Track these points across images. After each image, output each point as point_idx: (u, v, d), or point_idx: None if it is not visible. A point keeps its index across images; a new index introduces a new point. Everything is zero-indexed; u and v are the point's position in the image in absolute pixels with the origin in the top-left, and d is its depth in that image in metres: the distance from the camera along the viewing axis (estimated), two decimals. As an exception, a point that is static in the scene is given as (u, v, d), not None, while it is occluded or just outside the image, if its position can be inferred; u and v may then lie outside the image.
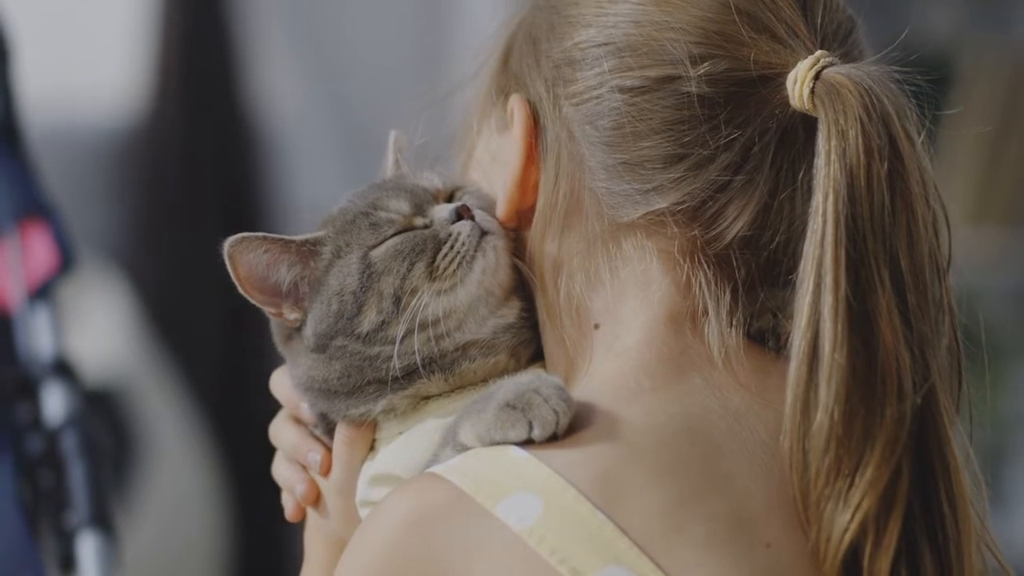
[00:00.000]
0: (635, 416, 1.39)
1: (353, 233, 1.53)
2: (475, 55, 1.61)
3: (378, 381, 1.50)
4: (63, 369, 2.20)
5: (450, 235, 1.50)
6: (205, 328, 4.32)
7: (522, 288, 1.53)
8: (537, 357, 1.53)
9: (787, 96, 1.42)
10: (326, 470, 1.55)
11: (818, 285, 1.37)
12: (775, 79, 1.43)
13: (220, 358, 4.33)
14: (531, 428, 1.38)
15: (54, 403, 2.19)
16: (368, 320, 1.50)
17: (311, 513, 1.57)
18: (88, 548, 2.12)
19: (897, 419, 1.36)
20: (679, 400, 1.41)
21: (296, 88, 4.47)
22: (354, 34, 4.47)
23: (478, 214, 1.51)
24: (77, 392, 2.19)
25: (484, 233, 1.50)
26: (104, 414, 3.48)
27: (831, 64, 1.40)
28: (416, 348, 1.48)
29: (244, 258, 1.53)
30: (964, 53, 3.84)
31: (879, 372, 1.36)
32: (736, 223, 1.44)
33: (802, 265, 1.38)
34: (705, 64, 1.43)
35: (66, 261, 2.26)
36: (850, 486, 1.35)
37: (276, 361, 4.78)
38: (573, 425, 1.39)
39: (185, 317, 4.30)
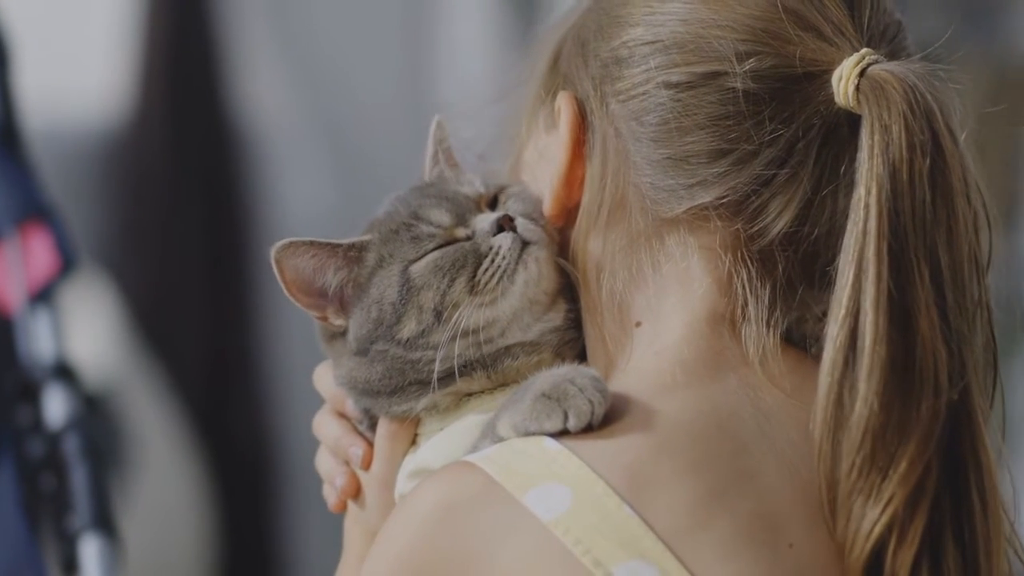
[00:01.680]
0: (667, 411, 1.40)
1: (396, 244, 1.54)
2: (525, 58, 1.62)
3: (420, 382, 1.51)
4: (64, 372, 2.20)
5: (491, 248, 1.50)
6: (190, 332, 4.32)
7: (569, 289, 1.53)
8: (582, 356, 1.53)
9: (832, 93, 1.43)
10: (367, 464, 1.56)
11: (858, 277, 1.38)
12: (820, 76, 1.43)
13: (205, 362, 4.33)
14: (567, 418, 1.39)
15: (55, 406, 2.19)
16: (408, 329, 1.51)
17: (351, 505, 1.58)
18: (91, 551, 2.11)
19: (932, 414, 1.36)
20: (711, 398, 1.41)
21: (281, 92, 4.47)
22: (340, 39, 4.47)
23: (520, 223, 1.51)
24: (78, 395, 2.19)
25: (526, 244, 1.50)
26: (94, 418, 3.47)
27: (876, 61, 1.41)
28: (458, 352, 1.49)
29: (290, 263, 1.54)
30: (945, 59, 3.86)
31: (916, 367, 1.36)
32: (780, 219, 1.44)
33: (842, 258, 1.39)
34: (751, 60, 1.44)
35: (67, 264, 2.25)
36: (883, 479, 1.35)
37: (261, 365, 4.75)
38: (607, 417, 1.39)
39: (170, 320, 4.29)
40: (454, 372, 1.50)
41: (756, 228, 1.45)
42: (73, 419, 2.17)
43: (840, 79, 1.42)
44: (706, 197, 1.45)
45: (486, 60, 4.40)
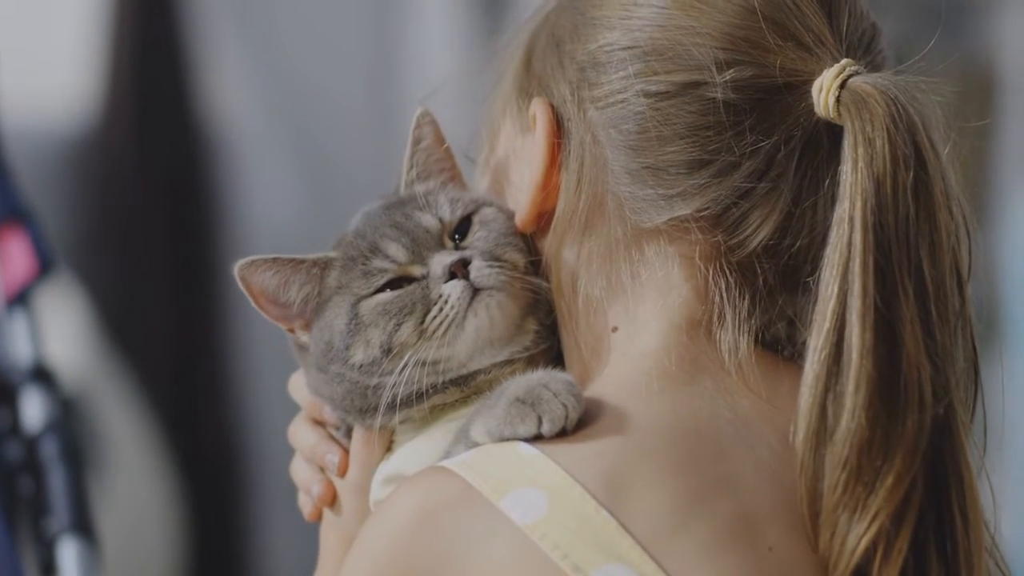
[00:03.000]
0: (644, 415, 1.40)
1: (352, 273, 1.52)
2: (496, 53, 1.59)
3: (384, 405, 1.50)
4: (42, 375, 2.19)
5: (440, 296, 1.48)
6: (157, 333, 4.30)
7: (543, 302, 1.52)
8: (558, 361, 1.52)
9: (812, 104, 1.42)
10: (343, 471, 1.55)
11: (844, 291, 1.37)
12: (800, 87, 1.43)
13: (172, 364, 4.31)
14: (540, 423, 1.38)
15: (33, 409, 2.18)
16: (357, 357, 1.51)
17: (327, 512, 1.57)
18: (69, 554, 2.10)
19: (918, 429, 1.36)
20: (688, 402, 1.41)
21: (248, 93, 4.46)
22: (307, 41, 4.46)
23: (475, 267, 1.49)
24: (56, 398, 2.18)
25: (478, 291, 1.48)
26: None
27: (857, 73, 1.40)
28: (417, 379, 1.48)
29: (255, 279, 1.53)
30: (912, 64, 3.87)
31: (902, 381, 1.36)
32: (760, 231, 1.44)
33: (825, 272, 1.38)
34: (731, 70, 1.43)
35: (44, 267, 2.24)
36: (868, 494, 1.35)
37: (229, 366, 4.71)
38: (583, 422, 1.39)
39: (137, 322, 4.28)
40: (421, 393, 1.49)
41: (736, 240, 1.45)
42: (51, 422, 2.16)
43: (820, 90, 1.41)
44: (685, 209, 1.44)
45: (454, 62, 4.40)
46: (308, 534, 1.64)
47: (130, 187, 4.31)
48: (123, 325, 4.21)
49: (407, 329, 1.48)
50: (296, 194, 4.41)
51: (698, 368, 1.43)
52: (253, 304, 1.54)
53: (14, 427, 2.17)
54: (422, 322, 1.48)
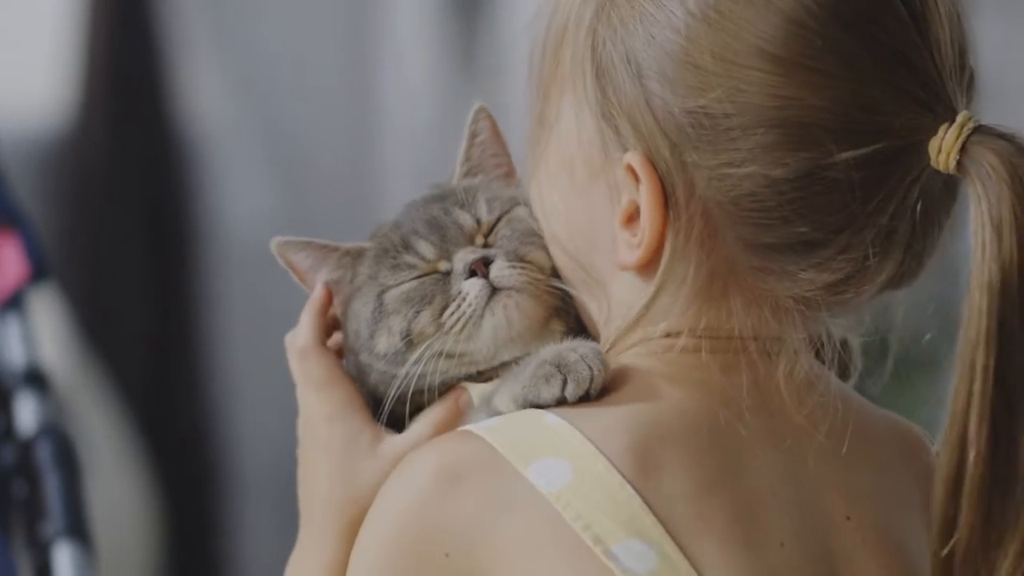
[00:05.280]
0: (674, 399, 1.39)
1: (383, 264, 1.53)
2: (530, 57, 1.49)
3: (419, 391, 1.49)
4: (35, 379, 2.19)
5: (459, 293, 1.48)
6: (133, 336, 4.30)
7: (568, 308, 1.50)
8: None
9: (927, 160, 1.37)
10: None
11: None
12: (917, 146, 1.37)
13: (148, 367, 4.31)
14: (566, 384, 1.38)
15: (27, 413, 2.18)
16: (381, 346, 1.51)
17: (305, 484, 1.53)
18: (64, 558, 2.10)
19: None
20: (720, 393, 1.40)
21: (224, 99, 4.46)
22: (284, 45, 4.46)
23: (496, 267, 1.48)
24: (51, 402, 2.18)
25: (496, 291, 1.47)
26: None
27: (975, 128, 1.35)
28: (444, 369, 1.48)
29: (291, 257, 1.55)
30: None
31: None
32: (862, 293, 1.41)
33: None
34: (851, 147, 1.36)
35: (37, 270, 2.24)
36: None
37: (204, 370, 4.68)
38: (611, 395, 1.39)
39: (112, 325, 4.27)
40: (455, 380, 1.49)
41: (835, 298, 1.41)
42: (45, 426, 2.16)
43: (940, 152, 1.36)
44: (799, 288, 1.40)
45: (430, 64, 4.41)
46: (287, 532, 1.64)
47: (105, 189, 4.30)
48: (98, 326, 4.20)
49: (425, 318, 1.48)
50: (272, 195, 4.41)
51: (741, 369, 1.42)
52: (296, 280, 1.56)
53: (8, 431, 2.17)
54: (440, 315, 1.48)
